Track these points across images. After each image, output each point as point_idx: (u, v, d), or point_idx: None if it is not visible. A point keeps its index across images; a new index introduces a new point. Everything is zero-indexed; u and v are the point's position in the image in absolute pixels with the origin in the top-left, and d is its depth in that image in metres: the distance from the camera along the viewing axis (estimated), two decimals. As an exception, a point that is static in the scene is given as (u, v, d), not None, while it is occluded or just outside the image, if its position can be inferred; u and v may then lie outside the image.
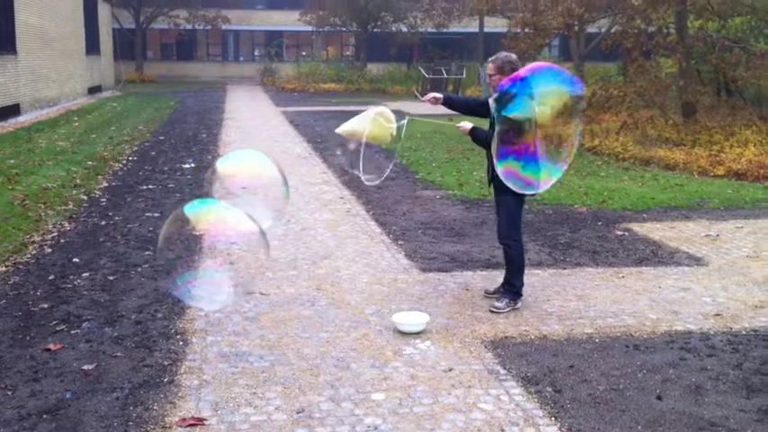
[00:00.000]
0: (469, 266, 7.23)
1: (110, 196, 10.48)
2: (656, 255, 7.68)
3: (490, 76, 5.94)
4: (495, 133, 5.53)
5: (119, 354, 5.09)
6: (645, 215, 9.51)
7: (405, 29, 43.15)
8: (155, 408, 4.34)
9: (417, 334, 5.47)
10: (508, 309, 5.95)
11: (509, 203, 5.95)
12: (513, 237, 6.00)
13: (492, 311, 5.92)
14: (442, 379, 4.75)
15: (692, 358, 5.09)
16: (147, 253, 7.53)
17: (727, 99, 19.02)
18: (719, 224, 9.00)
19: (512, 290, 6.05)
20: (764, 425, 4.18)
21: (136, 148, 15.39)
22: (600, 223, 9.04)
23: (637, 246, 8.01)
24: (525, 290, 6.20)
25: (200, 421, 4.17)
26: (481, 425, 4.17)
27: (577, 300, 6.28)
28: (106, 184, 11.36)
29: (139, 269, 7.02)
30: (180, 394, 4.51)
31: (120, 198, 10.35)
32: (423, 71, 32.11)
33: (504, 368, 4.92)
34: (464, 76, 31.53)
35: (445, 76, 31.45)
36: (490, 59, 6.05)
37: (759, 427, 4.16)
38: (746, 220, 9.22)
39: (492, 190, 6.08)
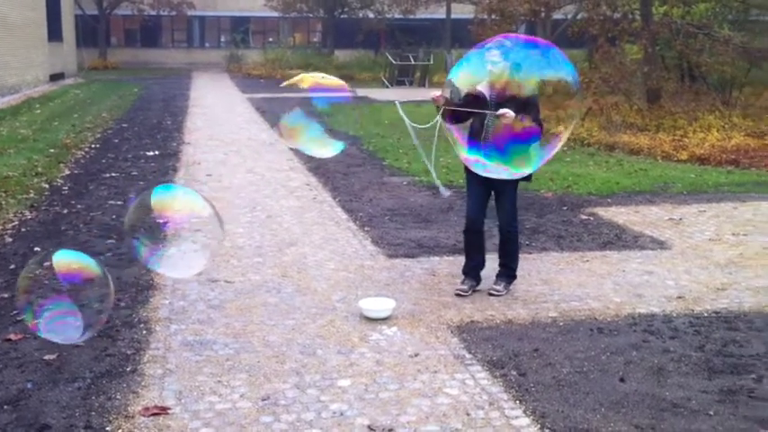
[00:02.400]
0: (436, 252, 7.24)
1: (72, 184, 10.33)
2: (621, 239, 7.74)
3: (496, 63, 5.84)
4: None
5: (80, 343, 5.01)
6: (609, 200, 9.58)
7: (372, 15, 42.98)
8: (117, 397, 4.29)
9: (384, 320, 5.46)
10: (506, 292, 6.04)
11: (512, 191, 6.03)
12: (515, 224, 6.12)
13: (492, 294, 5.98)
14: (408, 364, 4.75)
15: (654, 340, 5.15)
16: (109, 242, 7.44)
17: (690, 85, 19.22)
18: (683, 208, 9.10)
19: (511, 273, 6.16)
20: (726, 406, 4.24)
21: (99, 136, 15.18)
22: (565, 208, 9.09)
23: (601, 230, 8.08)
24: (491, 275, 6.23)
25: (163, 410, 4.13)
26: (447, 409, 4.18)
27: (542, 284, 6.32)
28: (68, 172, 11.19)
29: (102, 258, 6.92)
30: (143, 383, 4.47)
31: (83, 186, 10.20)
32: (390, 58, 32.02)
33: (470, 353, 4.94)
34: (431, 62, 31.50)
35: (412, 62, 31.39)
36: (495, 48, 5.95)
37: (720, 408, 4.21)
38: (709, 203, 9.33)
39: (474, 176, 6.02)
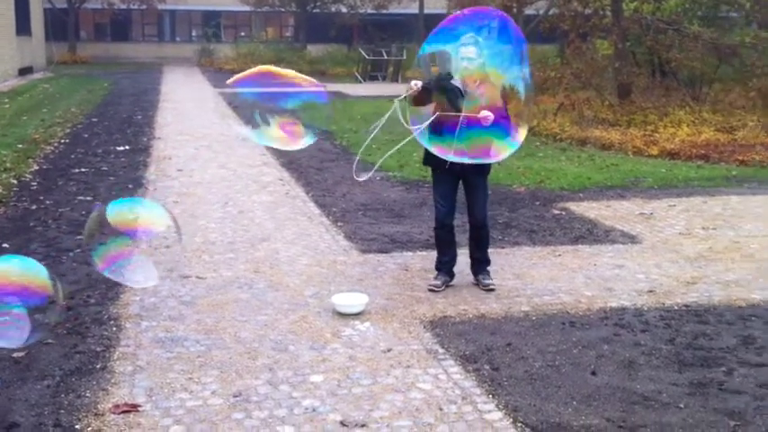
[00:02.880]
0: (409, 247, 7.24)
1: (41, 180, 10.20)
2: (592, 233, 7.79)
3: (470, 59, 5.77)
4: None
5: (50, 341, 4.95)
6: (581, 194, 9.64)
7: (344, 10, 42.87)
8: (87, 395, 4.24)
9: (356, 315, 5.45)
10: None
11: (485, 185, 6.08)
12: (487, 216, 6.18)
13: (492, 289, 6.00)
14: (381, 359, 4.74)
15: (625, 334, 5.18)
16: (79, 237, 7.33)
17: (661, 80, 19.35)
18: (653, 203, 9.17)
19: (488, 264, 6.21)
20: (696, 398, 4.28)
21: (68, 131, 15.00)
22: (537, 203, 9.13)
23: (573, 224, 8.12)
24: (463, 269, 6.23)
25: (133, 408, 4.09)
26: (419, 404, 4.17)
27: (515, 278, 6.34)
28: (37, 168, 11.05)
29: (71, 254, 6.85)
30: (113, 381, 4.42)
31: (52, 182, 10.08)
32: (363, 53, 31.95)
33: (443, 347, 4.94)
34: (404, 57, 31.48)
35: (385, 57, 31.34)
36: (472, 44, 5.84)
37: (690, 401, 4.25)
38: (679, 198, 9.41)
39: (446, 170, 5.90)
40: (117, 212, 4.43)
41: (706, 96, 17.61)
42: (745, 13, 18.87)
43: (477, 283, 6.11)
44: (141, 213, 4.58)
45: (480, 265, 6.18)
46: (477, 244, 6.18)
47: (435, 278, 6.11)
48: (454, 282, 6.15)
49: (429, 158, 5.95)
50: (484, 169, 5.97)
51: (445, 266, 6.15)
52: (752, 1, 17.45)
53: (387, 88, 25.08)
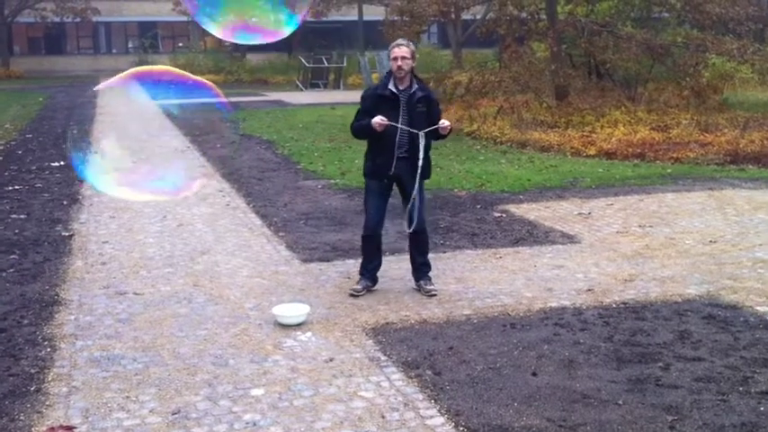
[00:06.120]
0: (351, 255, 7.21)
1: (-28, 199, 9.92)
2: (532, 234, 7.86)
3: (403, 58, 5.88)
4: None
5: None
6: (521, 196, 9.72)
7: (284, 18, 42.68)
8: (21, 418, 4.13)
9: (298, 326, 5.40)
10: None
11: (422, 190, 6.14)
12: (425, 221, 6.23)
13: (434, 294, 6.00)
14: (323, 369, 4.71)
15: (565, 333, 5.23)
16: (12, 257, 7.16)
17: (597, 81, 19.65)
18: (591, 202, 9.30)
19: (429, 269, 6.22)
20: (634, 395, 4.34)
21: (1, 148, 14.64)
22: (479, 206, 9.19)
23: (514, 226, 8.19)
24: (405, 275, 6.24)
25: (69, 429, 3.99)
26: (362, 413, 4.15)
27: (457, 282, 6.36)
28: (-32, 187, 10.75)
29: (4, 274, 6.67)
30: (48, 403, 4.30)
31: (-16, 200, 9.81)
32: (303, 60, 31.85)
33: (385, 354, 4.93)
34: (345, 64, 31.48)
35: (326, 65, 31.29)
36: (405, 45, 5.96)
37: (629, 397, 4.30)
38: (616, 197, 9.56)
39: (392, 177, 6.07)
40: None
41: (641, 96, 17.95)
42: (677, 14, 19.30)
43: (419, 289, 6.12)
44: None
45: (422, 270, 6.19)
46: (418, 248, 6.20)
47: (358, 282, 6.16)
48: (396, 288, 6.16)
49: (374, 169, 6.01)
50: (423, 175, 6.02)
51: (370, 273, 6.20)
52: (682, 1, 17.85)
53: (328, 96, 25.04)
